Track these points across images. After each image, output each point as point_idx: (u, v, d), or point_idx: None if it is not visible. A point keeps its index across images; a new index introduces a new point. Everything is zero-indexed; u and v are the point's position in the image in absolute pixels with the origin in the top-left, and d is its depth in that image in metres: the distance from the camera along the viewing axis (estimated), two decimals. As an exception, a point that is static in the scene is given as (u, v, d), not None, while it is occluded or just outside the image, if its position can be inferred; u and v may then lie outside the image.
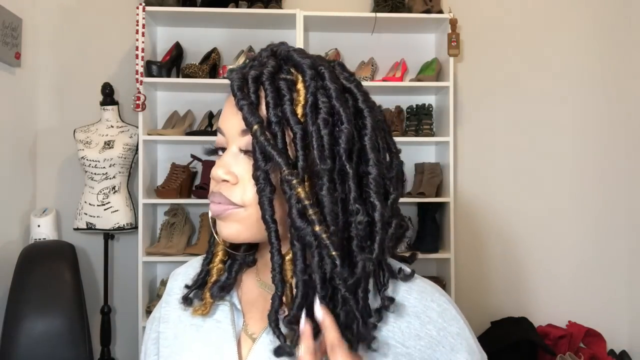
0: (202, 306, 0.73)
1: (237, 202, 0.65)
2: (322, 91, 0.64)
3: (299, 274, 0.61)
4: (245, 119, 0.62)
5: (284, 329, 0.63)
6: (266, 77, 0.64)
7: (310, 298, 0.61)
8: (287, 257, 0.64)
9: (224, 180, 0.65)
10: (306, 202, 0.59)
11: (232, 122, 0.66)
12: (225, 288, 0.73)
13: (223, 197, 0.65)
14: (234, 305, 0.74)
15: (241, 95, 0.63)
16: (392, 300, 0.66)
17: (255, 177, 0.62)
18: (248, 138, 0.64)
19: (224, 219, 0.66)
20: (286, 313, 0.63)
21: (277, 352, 0.62)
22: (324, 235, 0.59)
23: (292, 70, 0.66)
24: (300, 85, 0.64)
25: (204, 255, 0.78)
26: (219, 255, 0.74)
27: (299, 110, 0.63)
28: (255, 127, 0.61)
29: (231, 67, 0.62)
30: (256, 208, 0.63)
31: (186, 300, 0.74)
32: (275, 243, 0.62)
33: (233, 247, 0.74)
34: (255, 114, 0.62)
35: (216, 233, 0.73)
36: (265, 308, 0.69)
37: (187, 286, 0.76)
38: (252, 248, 0.77)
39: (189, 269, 0.82)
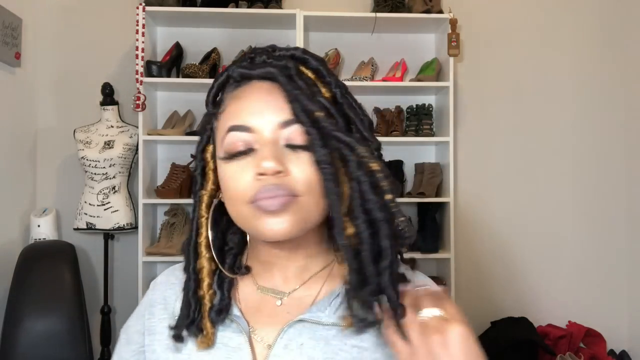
0: (205, 338, 0.68)
1: (297, 191, 0.64)
2: (339, 86, 0.70)
3: (368, 246, 0.63)
4: (305, 107, 0.64)
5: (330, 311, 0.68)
6: (295, 72, 0.66)
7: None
8: (347, 232, 0.64)
9: (278, 172, 0.63)
10: (383, 174, 0.63)
11: (266, 115, 0.65)
12: (223, 310, 0.69)
13: (282, 189, 0.63)
14: (235, 316, 0.70)
15: (293, 86, 0.65)
16: (414, 260, 0.72)
17: (320, 162, 0.63)
18: (289, 130, 0.65)
19: (281, 213, 0.63)
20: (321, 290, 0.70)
21: (365, 323, 0.62)
22: (394, 203, 0.63)
23: (304, 69, 0.69)
24: (319, 82, 0.68)
25: (182, 264, 0.72)
26: (206, 280, 0.69)
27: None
28: (320, 113, 0.64)
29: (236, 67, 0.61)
30: (310, 196, 0.64)
31: (178, 339, 0.69)
32: (341, 221, 0.64)
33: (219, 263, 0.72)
34: (315, 101, 0.64)
35: (219, 261, 0.70)
36: (273, 312, 0.70)
37: (174, 327, 0.69)
38: (235, 261, 0.75)
39: (170, 277, 0.78)
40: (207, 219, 0.70)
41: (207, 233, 0.70)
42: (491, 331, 2.77)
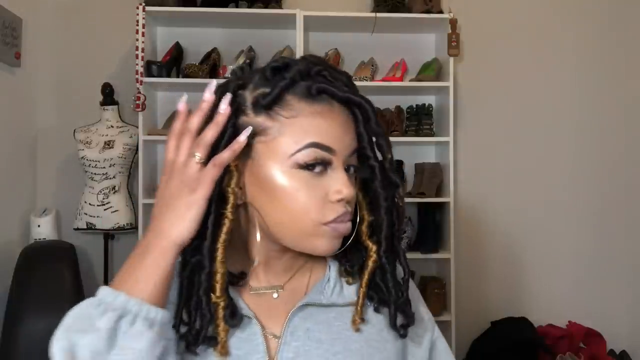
0: (223, 344, 0.66)
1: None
2: None
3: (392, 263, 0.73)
4: (381, 146, 0.69)
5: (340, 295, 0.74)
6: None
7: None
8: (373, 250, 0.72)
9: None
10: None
11: (345, 141, 0.68)
12: (234, 313, 0.68)
13: (349, 213, 0.69)
14: (244, 309, 0.70)
15: (379, 124, 0.69)
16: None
17: (383, 196, 0.70)
18: (354, 157, 0.70)
19: (340, 236, 0.69)
20: (331, 282, 0.74)
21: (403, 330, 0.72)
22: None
23: None
24: None
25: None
26: (221, 284, 0.66)
27: None
28: (389, 155, 0.70)
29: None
30: None
31: (194, 351, 0.66)
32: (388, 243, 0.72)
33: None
34: (388, 143, 0.70)
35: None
36: (272, 304, 0.72)
37: (190, 343, 0.66)
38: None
39: None
40: (231, 220, 0.66)
41: (227, 236, 0.66)
42: (491, 331, 2.78)
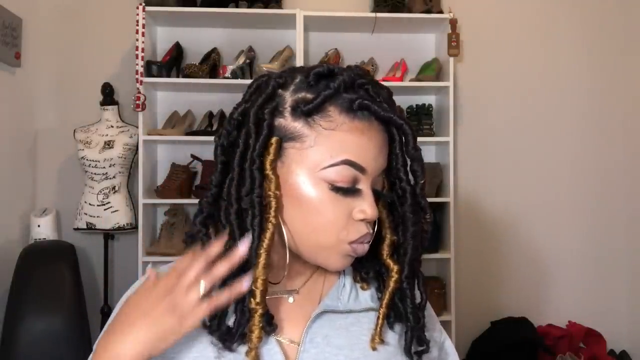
0: (251, 352, 0.65)
1: None
2: None
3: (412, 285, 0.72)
4: (415, 171, 0.68)
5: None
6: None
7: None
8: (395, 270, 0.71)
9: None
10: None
11: (378, 162, 0.67)
12: (270, 321, 0.66)
13: (370, 235, 0.68)
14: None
15: (417, 148, 0.68)
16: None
17: (408, 219, 0.69)
18: (381, 178, 0.69)
19: (356, 256, 0.68)
20: (346, 288, 0.74)
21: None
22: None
23: None
24: None
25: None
26: (261, 290, 0.64)
27: None
28: (423, 180, 0.69)
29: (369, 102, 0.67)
30: None
31: (230, 349, 0.66)
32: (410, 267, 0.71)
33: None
34: (423, 167, 0.68)
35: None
36: (288, 309, 0.71)
37: (226, 340, 0.66)
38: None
39: None
40: (275, 225, 0.65)
41: (270, 242, 0.65)
42: (491, 331, 2.78)
